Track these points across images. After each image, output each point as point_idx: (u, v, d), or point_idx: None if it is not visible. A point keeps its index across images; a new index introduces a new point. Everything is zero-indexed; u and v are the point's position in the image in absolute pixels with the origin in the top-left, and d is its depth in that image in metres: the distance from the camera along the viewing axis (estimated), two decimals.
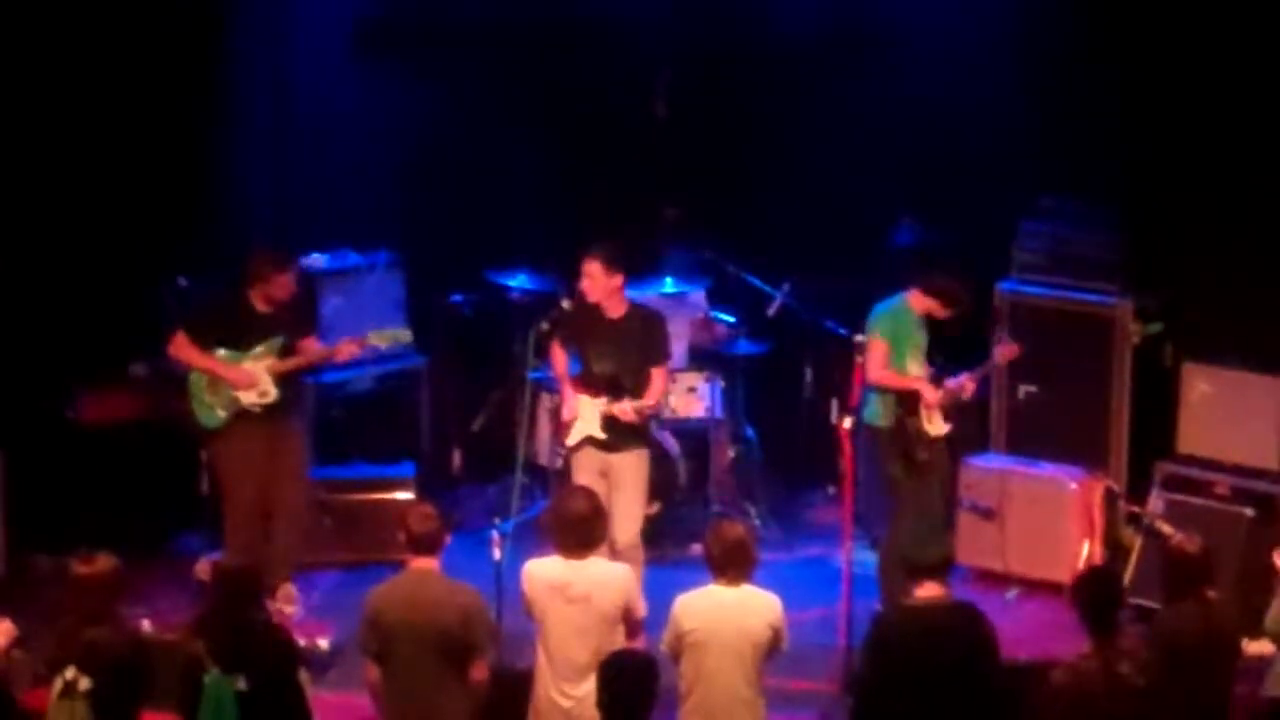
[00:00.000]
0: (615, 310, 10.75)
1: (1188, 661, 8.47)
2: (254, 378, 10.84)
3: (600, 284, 10.64)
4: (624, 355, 10.74)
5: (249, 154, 12.74)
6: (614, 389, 10.70)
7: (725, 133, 13.14)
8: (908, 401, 10.69)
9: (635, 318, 10.83)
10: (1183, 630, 8.54)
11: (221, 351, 10.88)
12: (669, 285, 12.63)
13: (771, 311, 12.42)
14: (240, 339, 10.88)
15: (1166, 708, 8.34)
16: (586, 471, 10.71)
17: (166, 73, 12.18)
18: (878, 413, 10.77)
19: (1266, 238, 11.29)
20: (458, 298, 12.83)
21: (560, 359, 10.92)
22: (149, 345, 11.94)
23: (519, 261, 12.67)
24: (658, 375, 10.79)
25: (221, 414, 10.88)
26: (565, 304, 10.84)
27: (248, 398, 10.85)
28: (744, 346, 12.58)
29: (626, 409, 10.64)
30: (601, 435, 10.70)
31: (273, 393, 10.88)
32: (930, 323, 10.80)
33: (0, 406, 11.54)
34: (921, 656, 8.36)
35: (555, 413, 11.48)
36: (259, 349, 10.89)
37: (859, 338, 10.68)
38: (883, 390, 10.70)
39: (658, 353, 10.83)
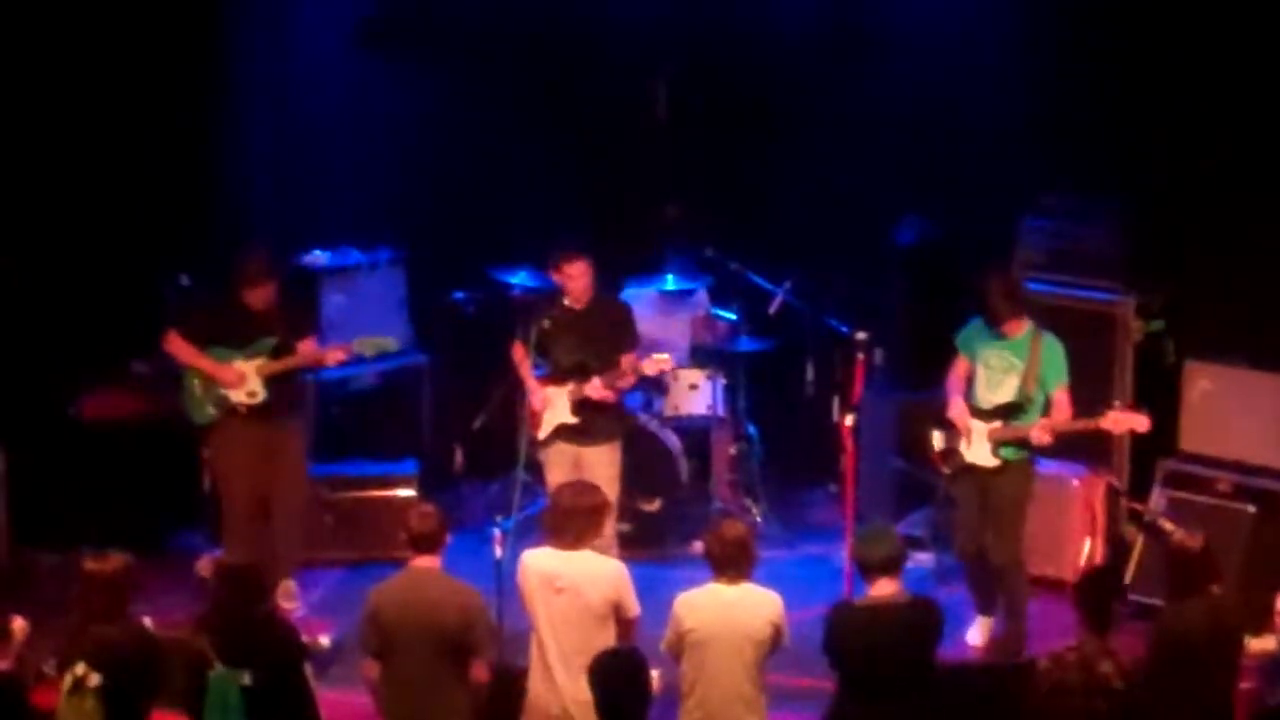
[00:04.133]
0: (581, 302, 10.81)
1: (1193, 659, 8.47)
2: (243, 377, 10.85)
3: (590, 279, 10.79)
4: (590, 343, 10.86)
5: (251, 151, 12.75)
6: (581, 373, 10.75)
7: (726, 130, 13.15)
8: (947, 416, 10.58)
9: (601, 307, 10.96)
10: (1188, 628, 8.53)
11: (219, 349, 10.88)
12: (670, 283, 12.64)
13: (773, 309, 12.42)
14: (235, 338, 10.88)
15: (1171, 704, 8.35)
16: (559, 467, 10.80)
17: (168, 71, 12.18)
18: None
19: (1268, 235, 11.28)
20: (459, 295, 12.84)
21: (522, 354, 10.97)
22: (150, 343, 11.95)
23: (520, 259, 12.67)
24: (628, 361, 10.89)
25: (211, 410, 10.92)
26: (566, 301, 10.88)
27: (236, 396, 10.87)
28: (745, 344, 12.58)
29: (596, 385, 10.71)
30: (573, 420, 10.80)
31: (261, 393, 10.89)
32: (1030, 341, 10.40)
33: (2, 404, 11.55)
34: (873, 655, 8.43)
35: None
36: (252, 348, 10.89)
37: (860, 335, 10.68)
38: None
39: (628, 340, 10.97)
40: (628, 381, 10.99)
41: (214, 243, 12.29)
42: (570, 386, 10.84)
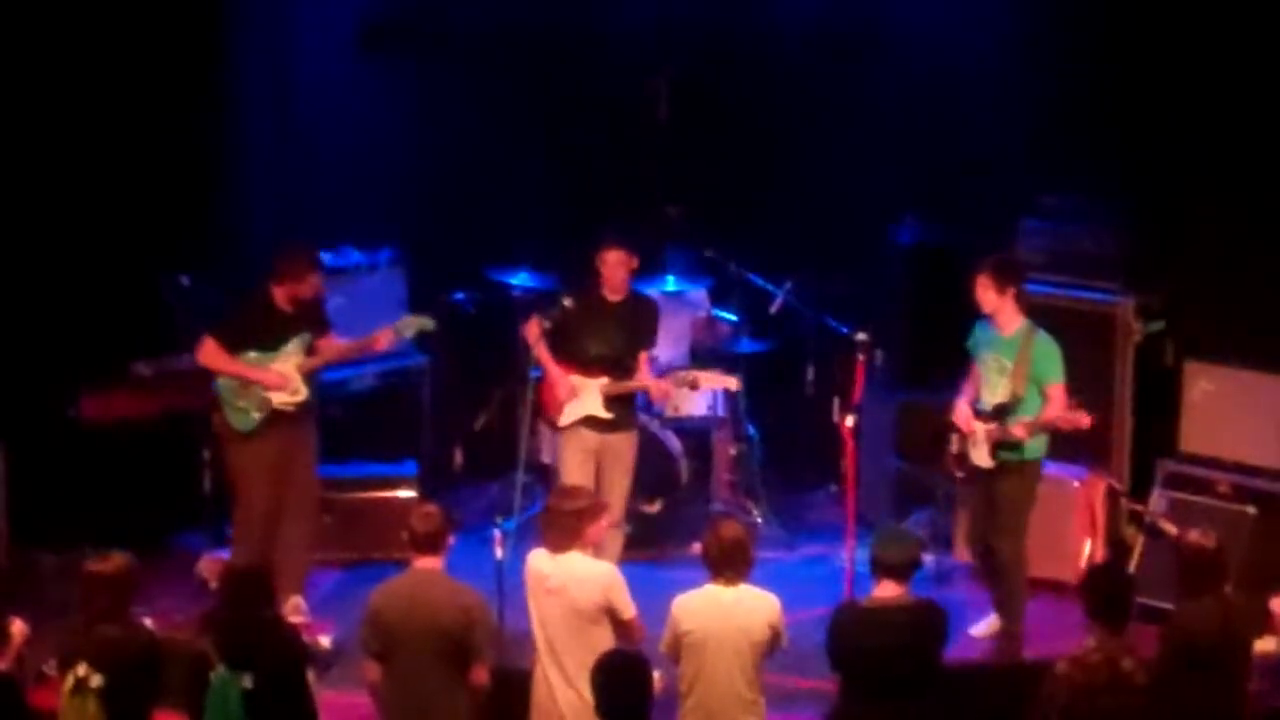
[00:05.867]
0: (617, 294, 10.81)
1: (1205, 659, 8.46)
2: (286, 378, 10.69)
3: (626, 270, 10.77)
4: (624, 337, 10.85)
5: (252, 151, 12.75)
6: (617, 369, 10.75)
7: (727, 131, 13.15)
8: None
9: (633, 302, 10.96)
10: (1200, 628, 8.51)
11: (251, 354, 10.72)
12: (671, 284, 12.65)
13: (773, 310, 12.42)
14: (269, 339, 10.73)
15: (1182, 705, 8.35)
16: (577, 451, 10.80)
17: (169, 70, 12.17)
18: None
19: (1268, 235, 11.29)
20: (459, 296, 12.81)
21: (537, 336, 10.86)
22: (151, 343, 11.95)
23: (521, 260, 12.68)
24: (644, 360, 10.94)
25: (256, 416, 10.69)
26: (567, 302, 10.85)
27: (280, 398, 10.69)
28: (746, 345, 12.59)
29: (663, 389, 10.95)
30: (606, 415, 10.76)
31: (304, 391, 10.73)
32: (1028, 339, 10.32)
33: (3, 404, 11.54)
34: (876, 655, 8.42)
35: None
36: (287, 348, 10.74)
37: (860, 336, 10.68)
38: None
39: (650, 338, 10.99)
40: (668, 391, 11.13)
41: (214, 243, 12.29)
42: (604, 381, 10.81)
